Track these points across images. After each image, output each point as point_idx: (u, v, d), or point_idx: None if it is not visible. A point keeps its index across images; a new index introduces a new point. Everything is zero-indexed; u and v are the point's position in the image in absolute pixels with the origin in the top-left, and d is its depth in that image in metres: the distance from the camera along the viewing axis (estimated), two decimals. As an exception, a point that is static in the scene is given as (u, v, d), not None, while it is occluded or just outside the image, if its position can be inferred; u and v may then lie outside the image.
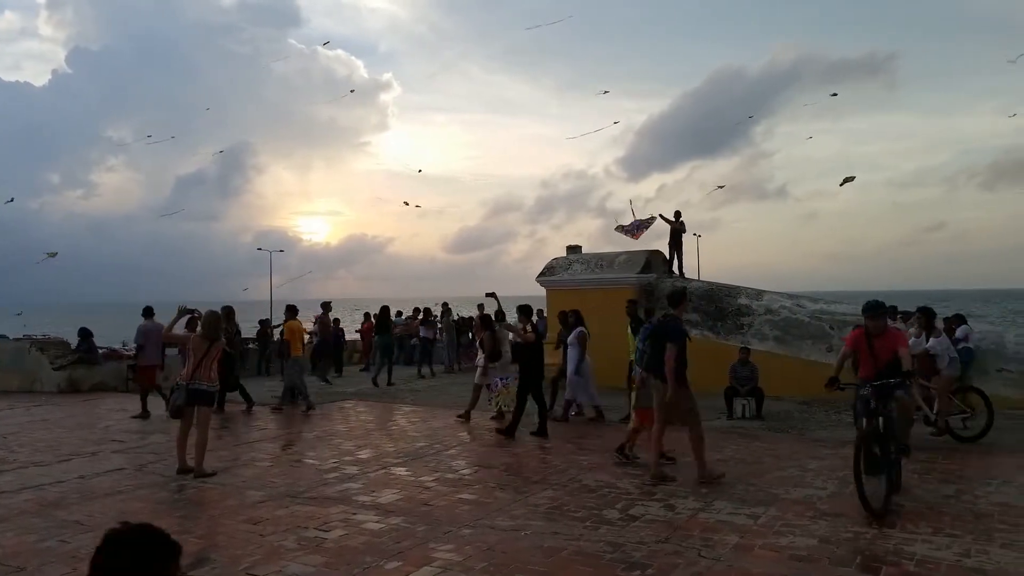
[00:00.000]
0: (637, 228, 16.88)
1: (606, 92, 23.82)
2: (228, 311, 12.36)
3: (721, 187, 36.70)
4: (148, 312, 12.72)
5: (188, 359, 8.12)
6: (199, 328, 8.56)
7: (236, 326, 12.93)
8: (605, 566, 4.98)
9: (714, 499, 6.65)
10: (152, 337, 12.45)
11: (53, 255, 16.92)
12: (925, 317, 9.98)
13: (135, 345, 12.86)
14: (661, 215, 17.63)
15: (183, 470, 7.88)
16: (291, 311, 13.55)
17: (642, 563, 5.00)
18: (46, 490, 7.29)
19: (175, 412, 7.99)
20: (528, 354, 10.27)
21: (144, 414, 12.01)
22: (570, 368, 11.34)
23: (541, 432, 10.05)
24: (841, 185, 14.29)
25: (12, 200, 20.86)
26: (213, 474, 7.83)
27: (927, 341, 9.85)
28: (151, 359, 12.66)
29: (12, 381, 16.01)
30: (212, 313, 8.44)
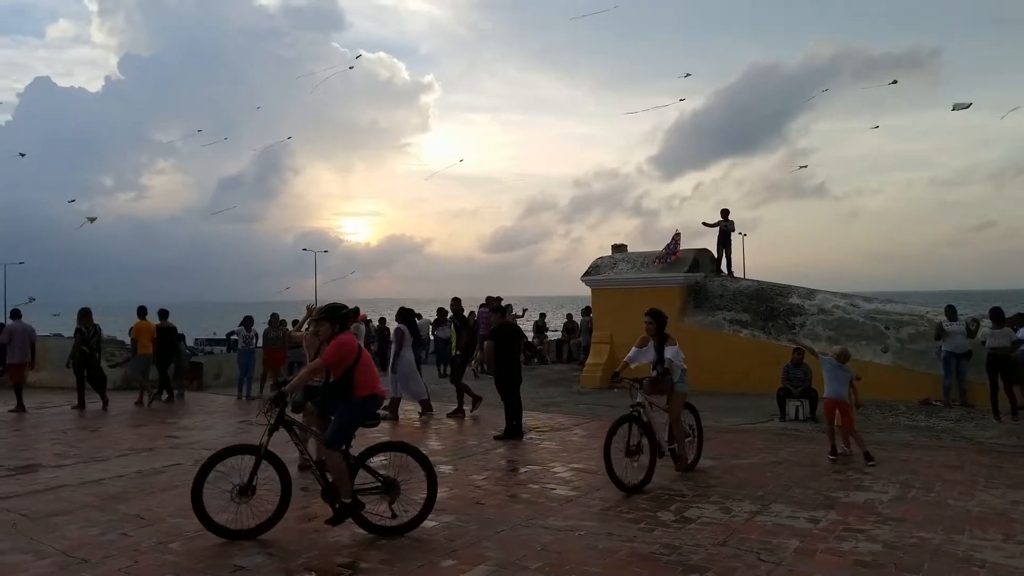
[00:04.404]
0: (672, 251, 16.38)
1: (688, 75, 23.90)
2: (85, 312, 13.86)
3: (803, 166, 36.94)
4: (16, 314, 14.05)
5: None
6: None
7: (96, 326, 14.07)
8: (663, 568, 4.88)
9: (771, 502, 6.50)
10: (17, 336, 13.45)
11: (93, 220, 17.58)
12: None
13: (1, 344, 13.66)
14: (705, 222, 17.45)
15: (304, 466, 7.75)
16: (141, 312, 14.73)
17: (701, 566, 4.90)
18: (106, 484, 7.46)
19: (294, 407, 8.14)
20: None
21: (19, 408, 13.02)
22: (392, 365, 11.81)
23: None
24: (953, 110, 15.16)
25: (74, 201, 21.90)
26: None
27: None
28: (16, 357, 13.50)
29: (69, 378, 16.42)
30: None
